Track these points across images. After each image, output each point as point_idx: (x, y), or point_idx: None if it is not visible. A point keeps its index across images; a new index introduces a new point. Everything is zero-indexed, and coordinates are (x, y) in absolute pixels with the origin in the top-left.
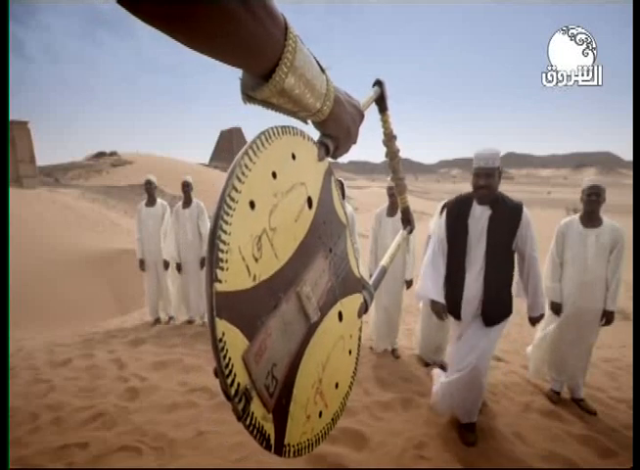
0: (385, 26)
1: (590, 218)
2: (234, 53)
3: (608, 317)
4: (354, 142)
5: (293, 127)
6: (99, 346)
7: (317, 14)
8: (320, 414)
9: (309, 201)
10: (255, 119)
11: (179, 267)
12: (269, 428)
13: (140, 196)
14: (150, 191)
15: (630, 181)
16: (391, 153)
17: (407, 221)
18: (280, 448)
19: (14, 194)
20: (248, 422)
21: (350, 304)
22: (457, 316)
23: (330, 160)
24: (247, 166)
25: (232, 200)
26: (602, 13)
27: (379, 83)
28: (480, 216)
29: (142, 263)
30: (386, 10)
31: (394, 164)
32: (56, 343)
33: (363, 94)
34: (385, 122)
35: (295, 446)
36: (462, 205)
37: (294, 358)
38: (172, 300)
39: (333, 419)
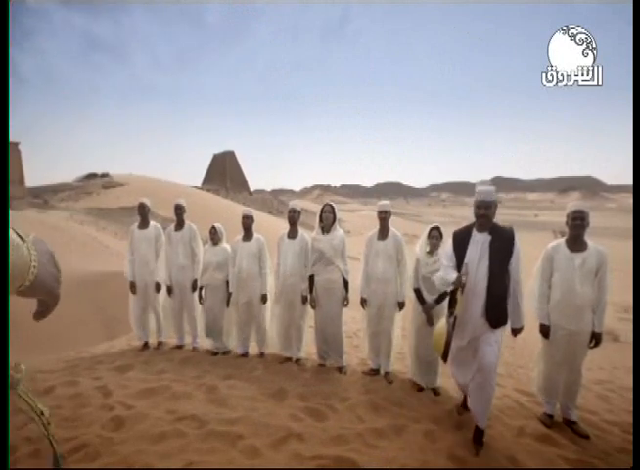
0: (381, 45)
1: (576, 242)
2: None
3: (596, 339)
4: (58, 298)
5: None
6: (84, 372)
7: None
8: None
9: None
10: (249, 144)
11: (170, 290)
12: None
13: (131, 218)
14: (143, 214)
15: (613, 205)
16: None
17: None
18: None
19: None
20: None
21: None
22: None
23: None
24: None
25: None
26: (602, 13)
27: None
28: (479, 242)
29: (133, 286)
30: (378, 32)
31: None
32: (39, 369)
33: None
34: None
35: None
36: (464, 234)
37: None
38: (163, 323)
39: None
